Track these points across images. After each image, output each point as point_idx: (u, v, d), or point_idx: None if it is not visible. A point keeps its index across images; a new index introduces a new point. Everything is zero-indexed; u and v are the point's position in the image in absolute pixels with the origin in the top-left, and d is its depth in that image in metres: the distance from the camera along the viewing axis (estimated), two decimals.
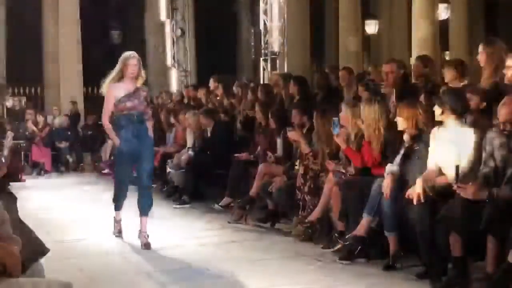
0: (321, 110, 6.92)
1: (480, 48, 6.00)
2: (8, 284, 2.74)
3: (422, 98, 5.93)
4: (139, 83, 6.71)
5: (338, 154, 6.57)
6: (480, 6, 18.76)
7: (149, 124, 6.83)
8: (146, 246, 6.50)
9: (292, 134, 7.31)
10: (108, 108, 6.69)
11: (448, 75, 6.52)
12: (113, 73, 6.66)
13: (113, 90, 6.62)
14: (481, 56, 5.95)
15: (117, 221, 7.09)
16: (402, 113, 5.55)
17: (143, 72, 6.76)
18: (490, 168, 4.75)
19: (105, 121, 6.75)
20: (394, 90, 6.68)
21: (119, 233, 7.05)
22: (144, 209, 6.65)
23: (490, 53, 5.89)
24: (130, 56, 6.61)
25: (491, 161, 4.76)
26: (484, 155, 4.84)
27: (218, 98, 11.34)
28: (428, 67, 6.93)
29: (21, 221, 3.51)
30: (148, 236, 6.61)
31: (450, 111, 5.12)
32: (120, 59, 6.66)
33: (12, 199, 3.90)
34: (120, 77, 6.62)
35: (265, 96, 9.27)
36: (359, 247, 5.68)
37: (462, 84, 6.25)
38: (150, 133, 6.80)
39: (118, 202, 6.98)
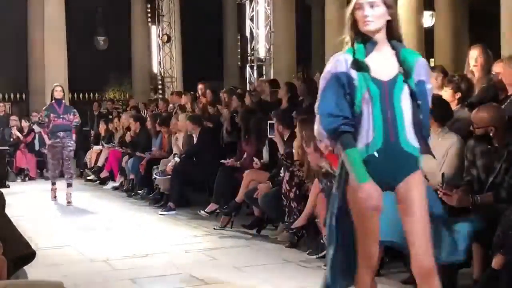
0: (302, 117, 6.92)
1: (476, 52, 6.02)
2: (4, 286, 2.72)
3: None
4: None
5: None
6: (465, 13, 18.88)
7: None
8: None
9: (274, 136, 7.53)
10: None
11: (435, 84, 6.56)
12: None
13: None
14: (474, 60, 5.98)
15: None
16: None
17: None
18: (472, 176, 4.77)
19: None
20: None
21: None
22: None
23: (485, 58, 5.95)
24: None
25: (474, 170, 4.77)
26: (466, 163, 4.85)
27: (203, 104, 11.33)
28: None
29: (10, 221, 3.46)
30: None
31: (434, 118, 5.13)
32: None
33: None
34: None
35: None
36: None
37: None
38: None
39: None
